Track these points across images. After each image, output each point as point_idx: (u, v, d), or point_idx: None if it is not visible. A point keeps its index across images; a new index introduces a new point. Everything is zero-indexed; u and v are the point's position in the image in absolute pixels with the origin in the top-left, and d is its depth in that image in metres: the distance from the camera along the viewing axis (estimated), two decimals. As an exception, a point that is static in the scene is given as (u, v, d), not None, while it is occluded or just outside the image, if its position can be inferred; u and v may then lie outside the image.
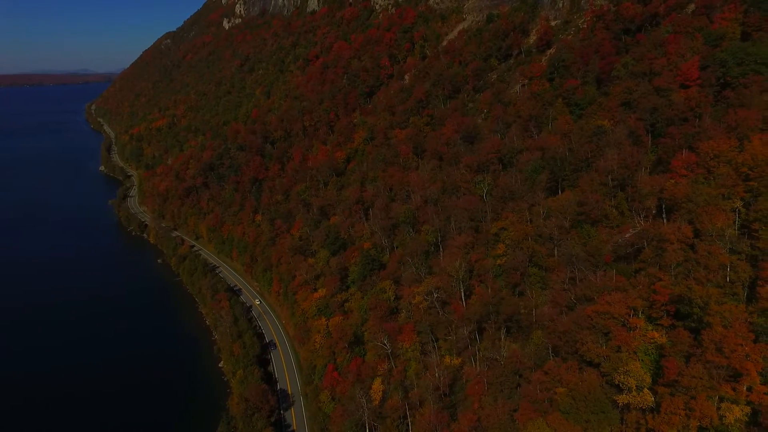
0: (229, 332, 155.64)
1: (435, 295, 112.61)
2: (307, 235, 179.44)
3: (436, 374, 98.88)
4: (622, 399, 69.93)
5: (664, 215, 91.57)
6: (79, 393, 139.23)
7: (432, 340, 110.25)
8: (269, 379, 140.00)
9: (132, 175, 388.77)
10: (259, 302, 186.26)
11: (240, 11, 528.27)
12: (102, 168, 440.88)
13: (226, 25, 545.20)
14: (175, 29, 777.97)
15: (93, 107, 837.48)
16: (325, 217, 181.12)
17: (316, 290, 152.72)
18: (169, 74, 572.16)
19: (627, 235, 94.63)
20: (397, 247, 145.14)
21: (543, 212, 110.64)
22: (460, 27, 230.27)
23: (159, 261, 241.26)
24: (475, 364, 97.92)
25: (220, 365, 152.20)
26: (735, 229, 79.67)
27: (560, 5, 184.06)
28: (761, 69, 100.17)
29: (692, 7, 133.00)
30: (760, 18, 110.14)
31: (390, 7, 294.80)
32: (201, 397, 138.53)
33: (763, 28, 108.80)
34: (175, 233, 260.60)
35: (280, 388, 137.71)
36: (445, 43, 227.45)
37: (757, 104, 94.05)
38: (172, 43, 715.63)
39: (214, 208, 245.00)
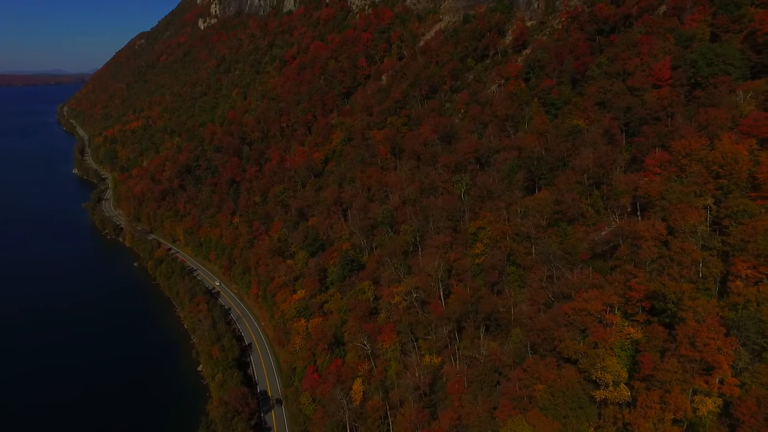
0: (207, 335, 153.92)
1: (414, 295, 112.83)
2: (285, 237, 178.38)
3: (417, 374, 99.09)
4: (599, 394, 70.97)
5: (638, 213, 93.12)
6: (54, 400, 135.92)
7: (412, 339, 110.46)
8: (249, 382, 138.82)
9: (106, 178, 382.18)
10: (218, 283, 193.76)
11: (215, 11, 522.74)
12: (75, 170, 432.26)
13: (201, 25, 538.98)
14: (149, 29, 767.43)
15: (65, 109, 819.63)
16: (303, 219, 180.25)
17: (295, 292, 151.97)
18: (143, 75, 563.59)
19: (603, 233, 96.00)
20: (376, 248, 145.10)
21: (520, 211, 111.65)
22: (436, 27, 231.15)
23: (135, 265, 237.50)
24: (455, 363, 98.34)
25: (199, 369, 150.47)
26: (707, 226, 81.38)
27: (536, 6, 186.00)
28: (729, 69, 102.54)
29: (663, 8, 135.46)
30: (728, 20, 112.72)
31: (367, 7, 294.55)
32: (180, 401, 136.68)
33: (731, 30, 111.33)
34: (151, 236, 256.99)
35: (260, 391, 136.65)
36: (422, 43, 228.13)
37: (726, 103, 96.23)
38: (146, 44, 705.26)
39: (191, 211, 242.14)
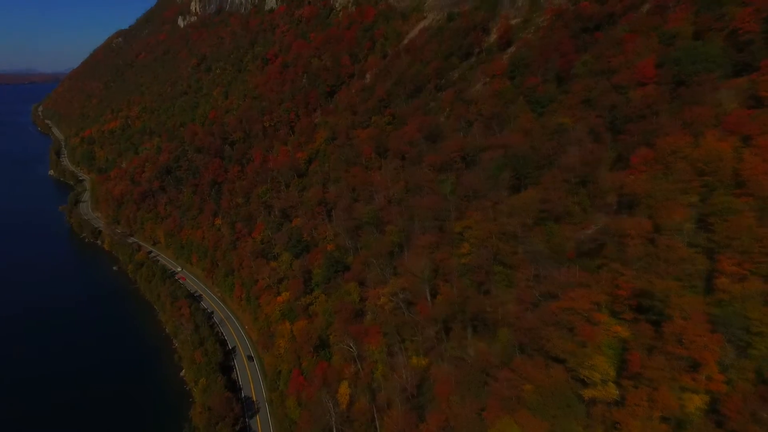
0: (190, 340, 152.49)
1: (400, 296, 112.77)
2: (269, 238, 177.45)
3: (404, 376, 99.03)
4: (587, 393, 71.54)
5: (624, 211, 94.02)
6: (30, 411, 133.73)
7: (398, 341, 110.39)
8: (233, 386, 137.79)
9: (84, 180, 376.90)
10: (180, 269, 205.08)
11: (195, 9, 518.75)
12: (51, 172, 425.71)
13: (181, 23, 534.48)
14: (127, 27, 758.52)
15: (40, 108, 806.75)
16: (287, 220, 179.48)
17: (279, 294, 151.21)
18: (121, 74, 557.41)
19: (589, 231, 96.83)
20: (361, 249, 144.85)
21: (507, 210, 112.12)
22: (421, 25, 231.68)
23: (114, 268, 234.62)
24: (443, 364, 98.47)
25: (181, 374, 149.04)
26: (692, 223, 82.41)
27: (520, 4, 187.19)
28: (712, 67, 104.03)
29: (647, 6, 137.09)
30: (711, 18, 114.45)
31: (350, 5, 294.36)
32: (162, 408, 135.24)
33: (714, 28, 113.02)
34: (131, 239, 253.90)
35: (245, 396, 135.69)
36: (406, 41, 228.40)
37: (710, 101, 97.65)
38: (124, 42, 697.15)
39: (172, 213, 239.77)
